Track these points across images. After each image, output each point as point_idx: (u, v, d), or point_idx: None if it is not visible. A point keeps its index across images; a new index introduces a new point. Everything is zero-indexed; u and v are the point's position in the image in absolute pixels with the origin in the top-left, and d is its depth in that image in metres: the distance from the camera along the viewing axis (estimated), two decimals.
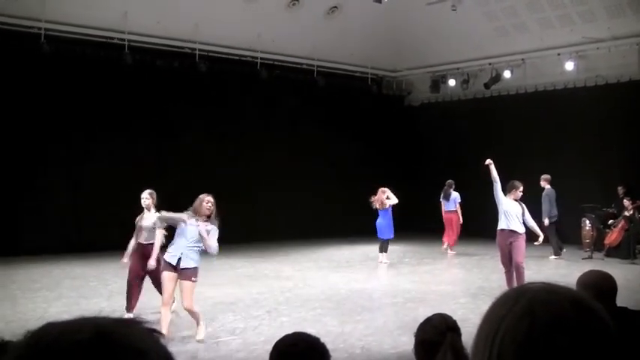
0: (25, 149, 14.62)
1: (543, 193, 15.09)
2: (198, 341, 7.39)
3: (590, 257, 14.57)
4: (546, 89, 18.23)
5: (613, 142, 16.83)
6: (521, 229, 9.83)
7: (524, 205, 9.95)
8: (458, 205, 16.06)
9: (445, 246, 16.31)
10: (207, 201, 7.32)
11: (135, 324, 0.80)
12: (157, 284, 8.22)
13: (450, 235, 16.34)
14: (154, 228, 8.55)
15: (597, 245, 15.29)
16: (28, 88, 14.60)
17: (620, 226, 14.90)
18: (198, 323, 7.51)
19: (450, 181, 16.12)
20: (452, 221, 16.22)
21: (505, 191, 9.90)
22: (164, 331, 7.18)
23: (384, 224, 14.57)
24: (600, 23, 16.12)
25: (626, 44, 16.08)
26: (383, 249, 14.49)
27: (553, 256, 14.89)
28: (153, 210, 8.60)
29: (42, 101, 14.80)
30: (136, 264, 8.67)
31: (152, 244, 8.46)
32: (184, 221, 7.30)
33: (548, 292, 0.94)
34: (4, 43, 14.14)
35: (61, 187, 15.20)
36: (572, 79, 17.49)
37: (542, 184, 15.24)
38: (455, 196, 16.12)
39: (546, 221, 14.59)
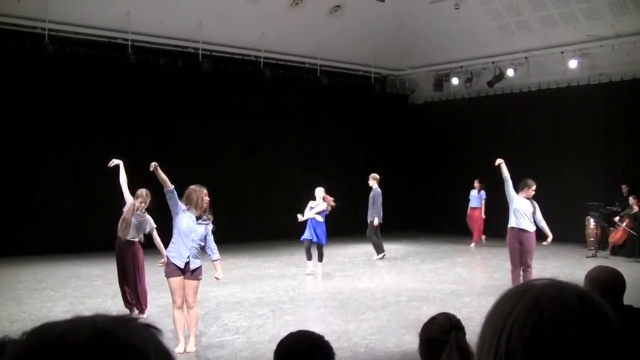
0: (29, 149, 14.67)
1: (371, 194, 14.75)
2: (188, 352, 7.08)
3: (594, 256, 14.53)
4: (550, 87, 18.19)
5: (617, 140, 16.81)
6: (532, 228, 9.77)
7: (536, 204, 9.85)
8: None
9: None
10: (206, 194, 7.17)
11: (131, 321, 0.81)
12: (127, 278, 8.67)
13: None
14: (141, 227, 8.61)
15: (601, 244, 15.27)
16: (32, 88, 14.65)
17: (624, 224, 14.87)
18: (191, 333, 7.24)
19: None
20: None
21: (517, 189, 9.85)
22: (180, 333, 7.17)
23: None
24: (604, 21, 16.07)
25: (630, 42, 16.03)
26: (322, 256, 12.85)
27: (377, 256, 14.76)
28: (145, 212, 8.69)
29: (46, 101, 14.83)
30: (121, 262, 8.76)
31: (134, 241, 8.63)
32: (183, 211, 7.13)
33: (555, 288, 0.94)
34: (8, 43, 14.18)
35: (65, 186, 15.25)
36: (576, 77, 17.44)
37: (371, 183, 14.87)
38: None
39: (376, 221, 14.57)
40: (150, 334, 0.81)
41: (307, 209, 12.64)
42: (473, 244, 16.94)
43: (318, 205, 12.57)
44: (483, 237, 17.07)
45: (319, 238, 12.51)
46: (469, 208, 17.24)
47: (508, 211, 9.96)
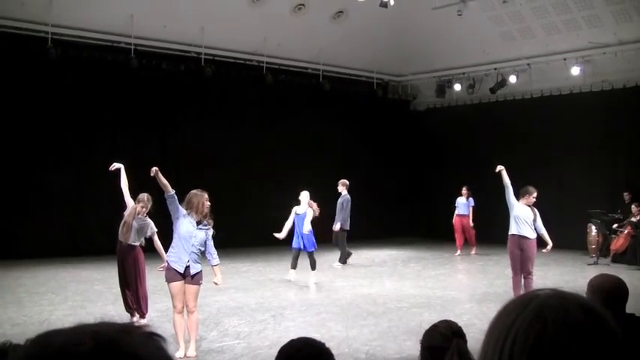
0: (31, 152, 14.69)
1: (340, 200, 14.58)
2: (188, 357, 7.09)
3: (596, 263, 14.51)
4: (552, 94, 18.20)
5: (619, 147, 16.80)
6: (532, 235, 9.76)
7: (536, 211, 9.83)
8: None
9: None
10: (207, 198, 7.15)
11: (135, 330, 0.81)
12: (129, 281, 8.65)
13: None
14: (142, 231, 8.60)
15: (603, 251, 15.24)
16: (34, 91, 14.67)
17: (626, 231, 14.85)
18: (191, 338, 7.22)
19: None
20: None
21: (518, 196, 9.83)
22: (180, 338, 7.16)
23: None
24: (606, 28, 16.08)
25: (633, 49, 16.03)
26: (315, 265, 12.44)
27: (338, 263, 14.56)
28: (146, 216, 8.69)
29: (48, 105, 14.86)
30: (122, 266, 8.75)
31: (135, 245, 8.60)
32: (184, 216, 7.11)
33: (558, 298, 0.94)
34: (11, 47, 14.21)
35: (67, 190, 15.25)
36: (578, 84, 17.46)
37: (340, 189, 14.75)
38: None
39: (337, 226, 14.39)
40: (154, 343, 0.80)
41: (292, 214, 12.35)
42: (473, 252, 16.89)
43: (307, 214, 12.16)
44: (460, 251, 16.96)
45: (306, 246, 12.15)
46: (455, 215, 17.08)
47: (507, 217, 9.96)
